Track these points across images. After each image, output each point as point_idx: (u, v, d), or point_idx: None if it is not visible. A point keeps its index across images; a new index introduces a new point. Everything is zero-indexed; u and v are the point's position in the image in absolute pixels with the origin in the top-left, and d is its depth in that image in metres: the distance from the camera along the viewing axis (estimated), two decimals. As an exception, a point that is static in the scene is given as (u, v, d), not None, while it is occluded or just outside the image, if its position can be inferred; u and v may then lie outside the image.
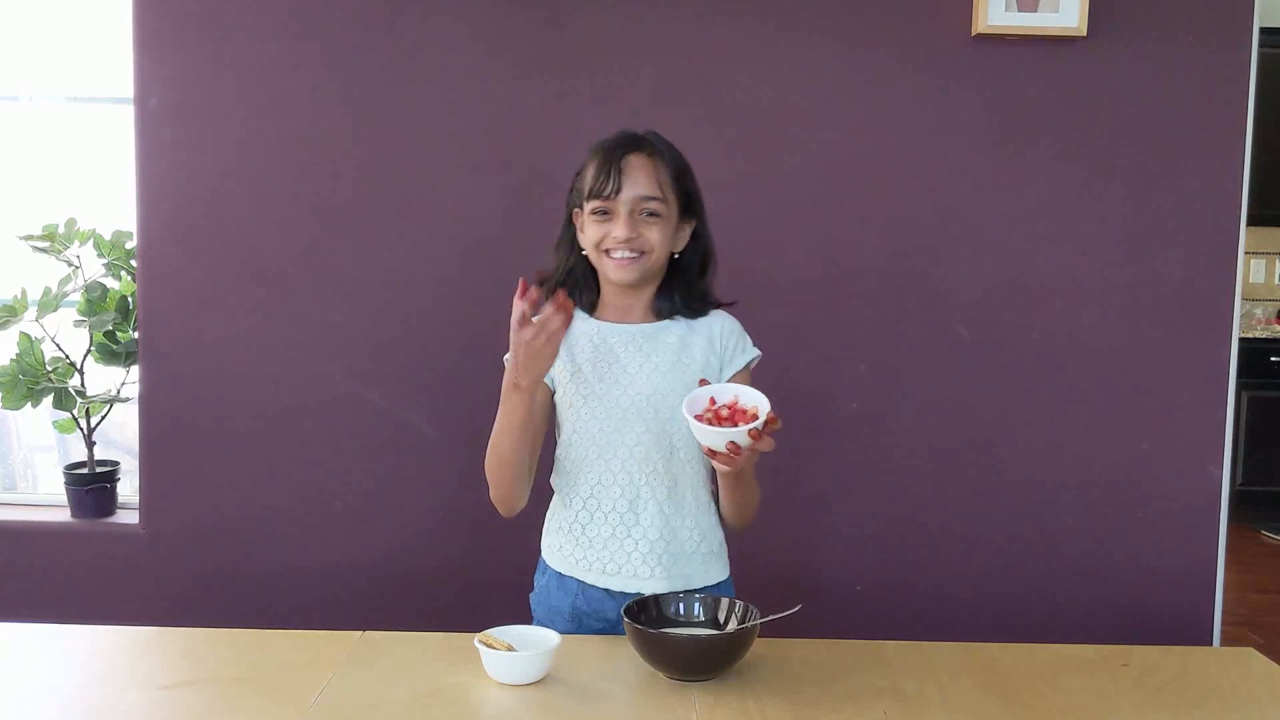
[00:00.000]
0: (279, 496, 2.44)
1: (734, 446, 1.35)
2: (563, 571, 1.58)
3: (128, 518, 2.54)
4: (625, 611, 1.39)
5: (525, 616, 1.60)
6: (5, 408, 2.45)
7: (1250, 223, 2.41)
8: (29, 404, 2.46)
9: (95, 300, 2.48)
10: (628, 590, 1.53)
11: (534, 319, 1.41)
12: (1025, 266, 2.37)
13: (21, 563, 2.50)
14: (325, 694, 1.34)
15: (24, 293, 2.46)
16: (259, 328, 2.42)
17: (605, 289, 1.59)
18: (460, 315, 2.38)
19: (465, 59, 2.36)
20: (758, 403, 1.38)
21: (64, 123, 2.76)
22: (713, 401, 1.41)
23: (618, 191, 1.49)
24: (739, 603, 1.45)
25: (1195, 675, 1.45)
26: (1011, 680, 1.41)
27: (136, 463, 2.49)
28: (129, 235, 2.50)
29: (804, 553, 2.41)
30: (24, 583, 2.48)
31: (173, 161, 2.40)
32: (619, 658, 1.43)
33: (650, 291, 1.58)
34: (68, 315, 2.48)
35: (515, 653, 1.36)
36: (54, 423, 2.64)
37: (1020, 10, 2.26)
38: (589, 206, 1.52)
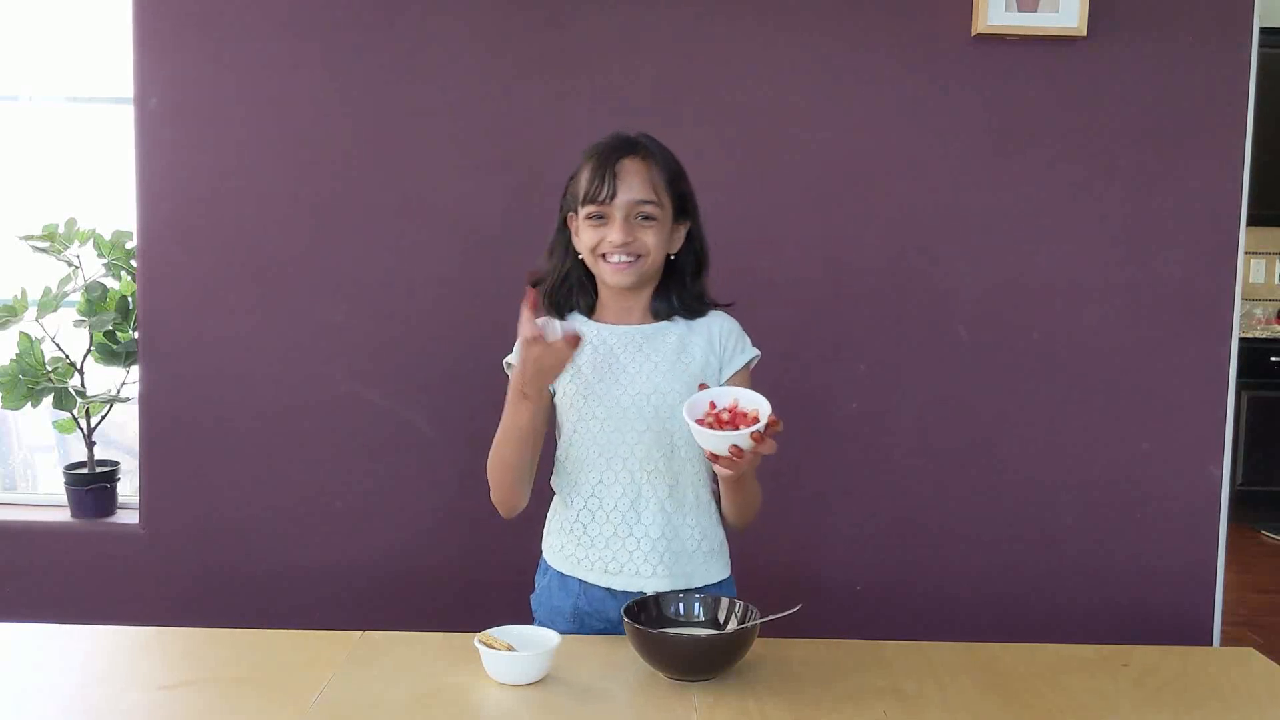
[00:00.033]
0: (279, 496, 2.44)
1: (736, 450, 1.35)
2: (564, 571, 1.58)
3: (128, 518, 2.54)
4: (625, 611, 1.40)
5: (525, 617, 1.60)
6: (5, 408, 2.45)
7: (1250, 223, 2.41)
8: (29, 404, 2.46)
9: (95, 300, 2.48)
10: (629, 589, 1.53)
11: (547, 339, 1.41)
12: (1025, 266, 2.37)
13: (21, 563, 2.50)
14: (325, 694, 1.34)
15: (24, 293, 2.46)
16: (259, 328, 2.42)
17: (603, 292, 1.59)
18: (460, 315, 2.38)
19: (465, 59, 2.36)
20: (758, 405, 1.38)
21: (64, 123, 2.76)
22: (713, 405, 1.41)
23: (613, 196, 1.49)
24: (739, 603, 1.45)
25: (1195, 675, 1.45)
26: (1011, 680, 1.41)
27: (136, 463, 2.49)
28: (129, 235, 2.50)
29: (804, 553, 2.41)
30: (24, 583, 2.48)
31: (173, 161, 2.40)
32: (619, 658, 1.43)
33: (648, 293, 1.59)
34: (68, 315, 2.48)
35: (515, 653, 1.36)
36: (54, 423, 2.64)
37: (1020, 10, 2.26)
38: (584, 211, 1.52)
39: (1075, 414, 2.39)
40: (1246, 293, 4.39)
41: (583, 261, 1.57)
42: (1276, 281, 5.34)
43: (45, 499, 2.67)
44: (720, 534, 1.61)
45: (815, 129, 2.35)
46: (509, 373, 1.60)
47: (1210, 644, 2.42)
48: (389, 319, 2.41)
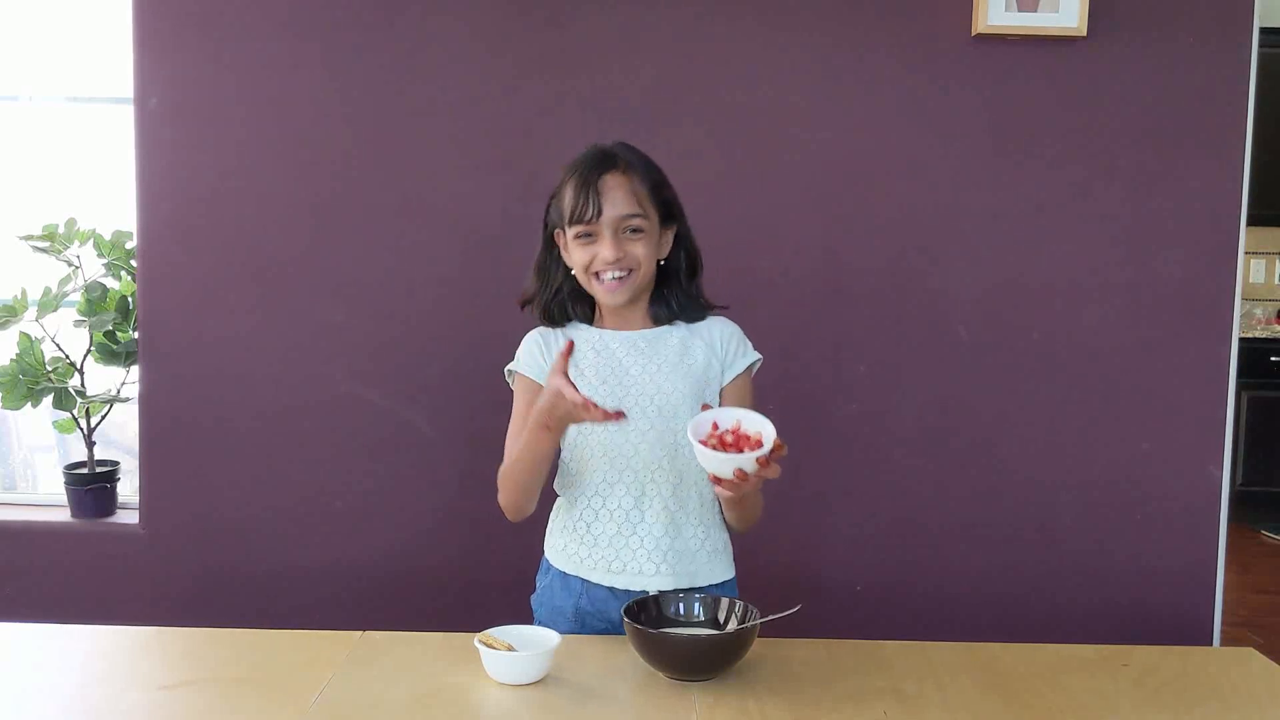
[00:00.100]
0: (279, 496, 2.44)
1: (741, 474, 1.35)
2: (567, 571, 1.58)
3: (128, 518, 2.54)
4: (625, 611, 1.40)
5: (526, 617, 1.60)
6: (5, 408, 2.45)
7: (1250, 223, 2.41)
8: (29, 404, 2.46)
9: (95, 300, 2.48)
10: (632, 589, 1.53)
11: (587, 399, 1.37)
12: (1025, 266, 2.37)
13: (21, 563, 2.50)
14: (325, 694, 1.34)
15: (24, 293, 2.46)
16: (259, 328, 2.42)
17: (600, 303, 1.60)
18: (460, 315, 2.38)
19: (465, 59, 2.36)
20: (761, 428, 1.37)
21: (64, 123, 2.76)
22: (715, 426, 1.40)
23: (599, 214, 1.50)
24: (739, 603, 1.45)
25: (1195, 675, 1.45)
26: (1011, 680, 1.41)
27: (136, 463, 2.49)
28: (129, 235, 2.50)
29: (804, 553, 2.41)
30: (24, 583, 2.48)
31: (173, 161, 2.40)
32: (619, 658, 1.43)
33: (645, 300, 1.59)
34: (68, 315, 2.48)
35: (515, 653, 1.37)
36: (54, 423, 2.64)
37: (1020, 10, 2.26)
38: (572, 231, 1.53)
39: (1075, 414, 2.39)
40: (1246, 293, 4.39)
41: (574, 276, 1.57)
42: (1276, 281, 5.34)
43: (45, 499, 2.67)
44: (724, 534, 1.61)
45: (815, 129, 2.35)
46: (509, 380, 1.61)
47: (1210, 644, 2.42)
48: (389, 319, 2.41)
